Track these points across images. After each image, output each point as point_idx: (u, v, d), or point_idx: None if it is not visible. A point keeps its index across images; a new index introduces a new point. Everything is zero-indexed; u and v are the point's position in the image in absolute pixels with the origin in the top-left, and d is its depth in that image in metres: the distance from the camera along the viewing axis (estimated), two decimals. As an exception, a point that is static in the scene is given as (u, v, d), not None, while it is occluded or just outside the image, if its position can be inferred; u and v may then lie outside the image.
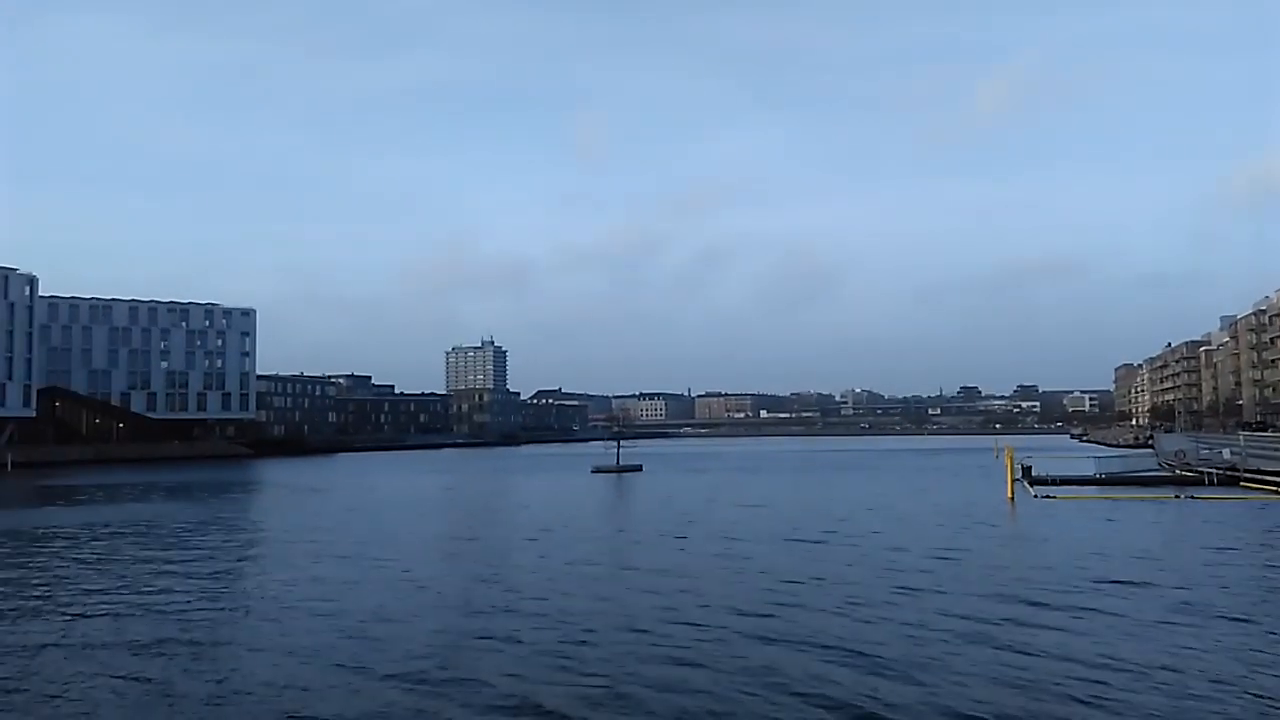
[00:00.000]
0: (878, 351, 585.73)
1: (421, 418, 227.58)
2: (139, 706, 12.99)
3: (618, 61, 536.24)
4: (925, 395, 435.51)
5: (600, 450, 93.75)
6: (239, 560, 28.25)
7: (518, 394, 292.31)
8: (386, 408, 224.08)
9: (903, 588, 21.34)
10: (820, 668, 14.50)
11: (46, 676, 14.51)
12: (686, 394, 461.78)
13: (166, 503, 51.65)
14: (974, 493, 50.92)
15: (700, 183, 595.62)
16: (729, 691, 13.26)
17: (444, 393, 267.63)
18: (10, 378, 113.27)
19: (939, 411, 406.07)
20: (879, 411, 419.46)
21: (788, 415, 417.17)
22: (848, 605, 19.48)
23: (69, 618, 19.13)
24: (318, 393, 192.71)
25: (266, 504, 52.99)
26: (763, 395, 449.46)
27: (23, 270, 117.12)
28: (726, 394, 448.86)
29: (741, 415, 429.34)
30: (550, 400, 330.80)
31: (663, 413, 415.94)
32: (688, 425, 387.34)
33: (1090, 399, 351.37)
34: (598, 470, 75.86)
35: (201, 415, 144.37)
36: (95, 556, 28.94)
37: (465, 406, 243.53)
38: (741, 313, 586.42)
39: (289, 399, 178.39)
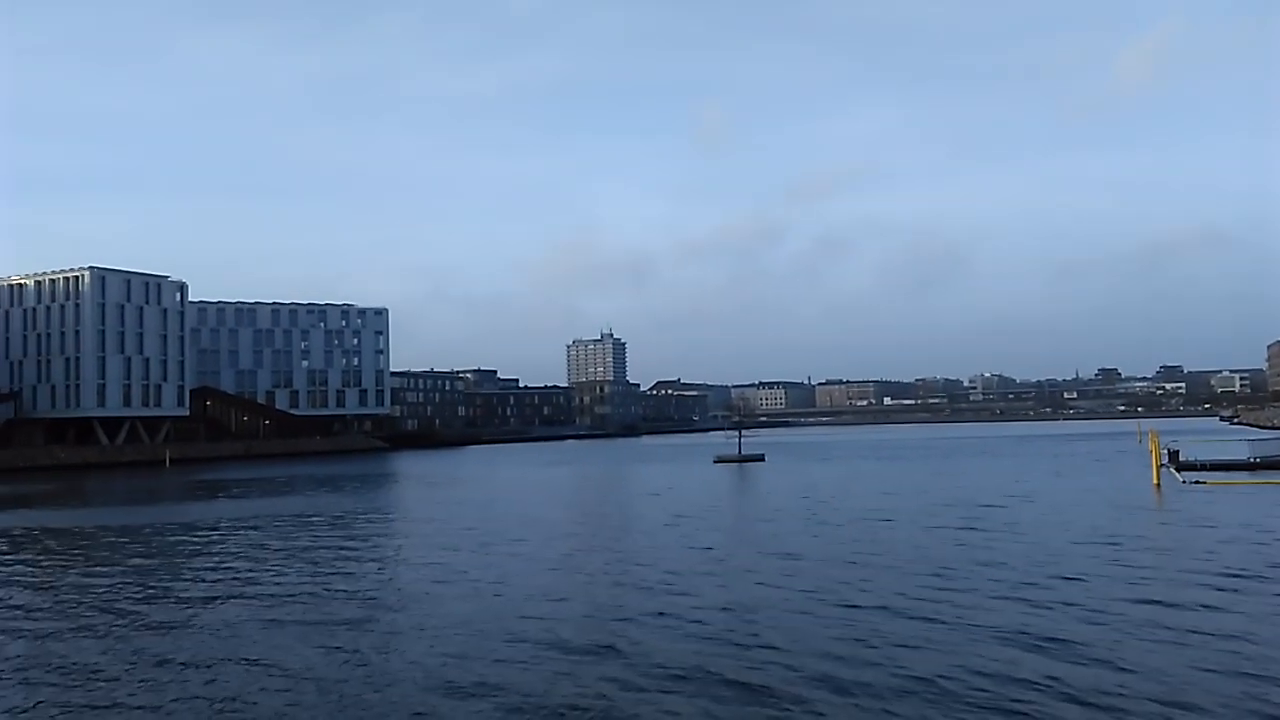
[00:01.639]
0: (1009, 334, 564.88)
1: (545, 410, 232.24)
2: (329, 676, 13.75)
3: (735, 48, 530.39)
4: (1060, 379, 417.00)
5: (721, 440, 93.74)
6: (399, 546, 29.47)
7: (637, 385, 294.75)
8: (512, 401, 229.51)
9: (1066, 575, 20.62)
10: (1010, 653, 14.19)
11: (244, 650, 15.58)
12: (807, 382, 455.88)
13: (319, 495, 54.16)
14: (1118, 478, 48.64)
15: (820, 168, 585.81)
16: (923, 672, 13.13)
17: (566, 385, 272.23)
18: (165, 379, 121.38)
19: (1075, 395, 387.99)
20: (1010, 396, 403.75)
21: (913, 402, 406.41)
22: (1018, 589, 19.08)
23: (260, 597, 20.43)
24: (447, 388, 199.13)
25: (411, 494, 54.98)
26: (886, 382, 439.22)
27: (174, 278, 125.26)
28: (848, 381, 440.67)
29: (864, 403, 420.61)
30: (669, 391, 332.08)
31: (783, 402, 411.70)
32: (809, 414, 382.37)
33: (1241, 379, 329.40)
34: (720, 460, 75.86)
35: (341, 411, 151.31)
36: (265, 544, 30.70)
37: (587, 398, 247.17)
38: (863, 298, 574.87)
39: (421, 394, 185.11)
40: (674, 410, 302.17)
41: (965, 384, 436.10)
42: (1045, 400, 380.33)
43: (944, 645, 14.76)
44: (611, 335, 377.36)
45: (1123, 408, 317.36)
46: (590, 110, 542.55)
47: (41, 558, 28.76)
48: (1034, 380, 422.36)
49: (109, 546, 31.32)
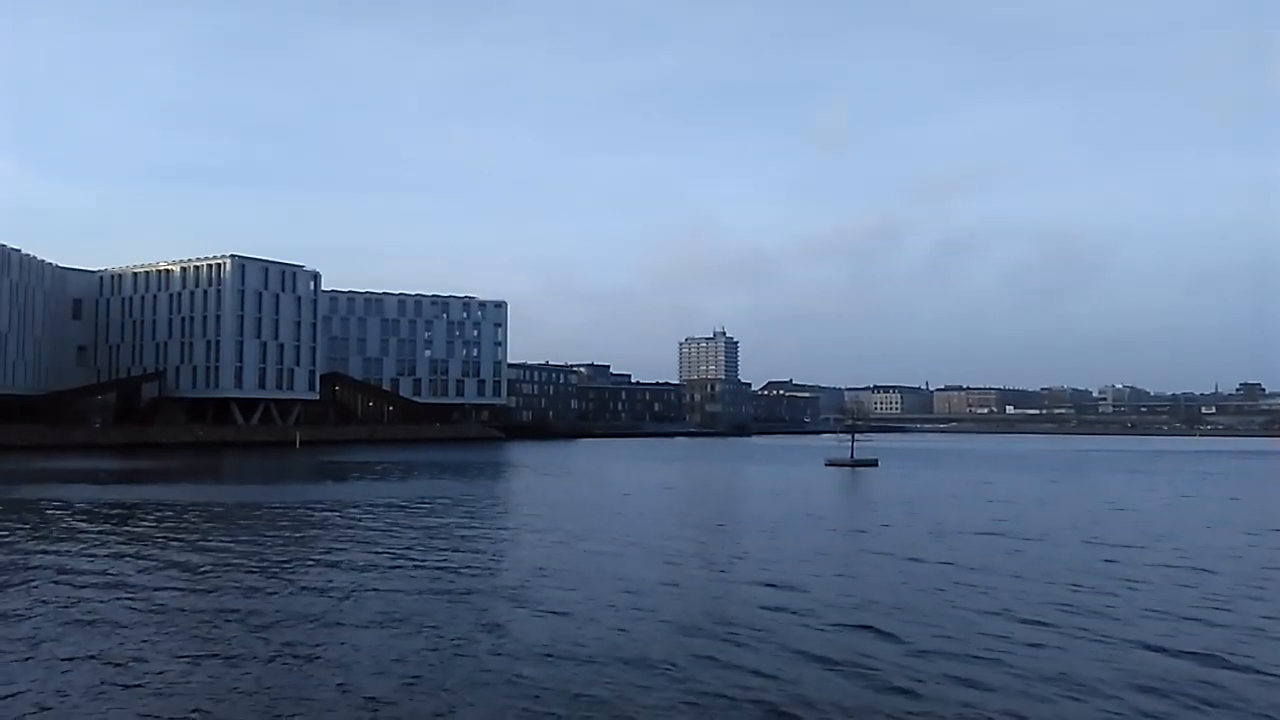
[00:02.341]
0: (1143, 344, 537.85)
1: (656, 406, 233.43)
2: (439, 650, 14.11)
3: (857, 45, 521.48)
4: (1198, 392, 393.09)
5: (832, 443, 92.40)
6: (520, 532, 29.97)
7: (748, 384, 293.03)
8: (624, 396, 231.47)
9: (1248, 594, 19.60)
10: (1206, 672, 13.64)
11: (370, 620, 16.17)
12: (924, 387, 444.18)
13: (443, 480, 55.66)
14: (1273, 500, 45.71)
15: (945, 167, 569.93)
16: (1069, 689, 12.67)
17: (677, 382, 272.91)
18: (298, 364, 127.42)
19: (1214, 410, 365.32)
20: (1143, 409, 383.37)
21: (1037, 412, 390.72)
22: (1200, 607, 18.34)
23: (386, 570, 21.21)
24: (561, 381, 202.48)
25: (529, 483, 55.82)
26: (1009, 390, 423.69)
27: (308, 267, 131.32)
28: (968, 388, 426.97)
29: (985, 411, 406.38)
30: (781, 391, 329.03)
31: (898, 406, 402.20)
32: (925, 420, 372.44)
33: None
34: (832, 463, 74.67)
35: (460, 400, 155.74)
36: (396, 523, 31.80)
37: (697, 396, 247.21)
38: (987, 302, 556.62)
39: (536, 386, 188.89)
40: (785, 411, 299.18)
41: (1094, 394, 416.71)
42: (1181, 414, 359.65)
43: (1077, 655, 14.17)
44: (724, 334, 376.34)
45: (1266, 423, 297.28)
46: (708, 109, 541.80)
47: (188, 531, 30.54)
48: (1168, 393, 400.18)
49: (252, 521, 33.06)
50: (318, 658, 14.34)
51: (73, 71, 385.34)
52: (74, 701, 12.09)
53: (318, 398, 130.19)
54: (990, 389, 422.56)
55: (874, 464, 75.00)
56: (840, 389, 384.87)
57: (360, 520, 33.36)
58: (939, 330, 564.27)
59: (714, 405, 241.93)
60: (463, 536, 29.26)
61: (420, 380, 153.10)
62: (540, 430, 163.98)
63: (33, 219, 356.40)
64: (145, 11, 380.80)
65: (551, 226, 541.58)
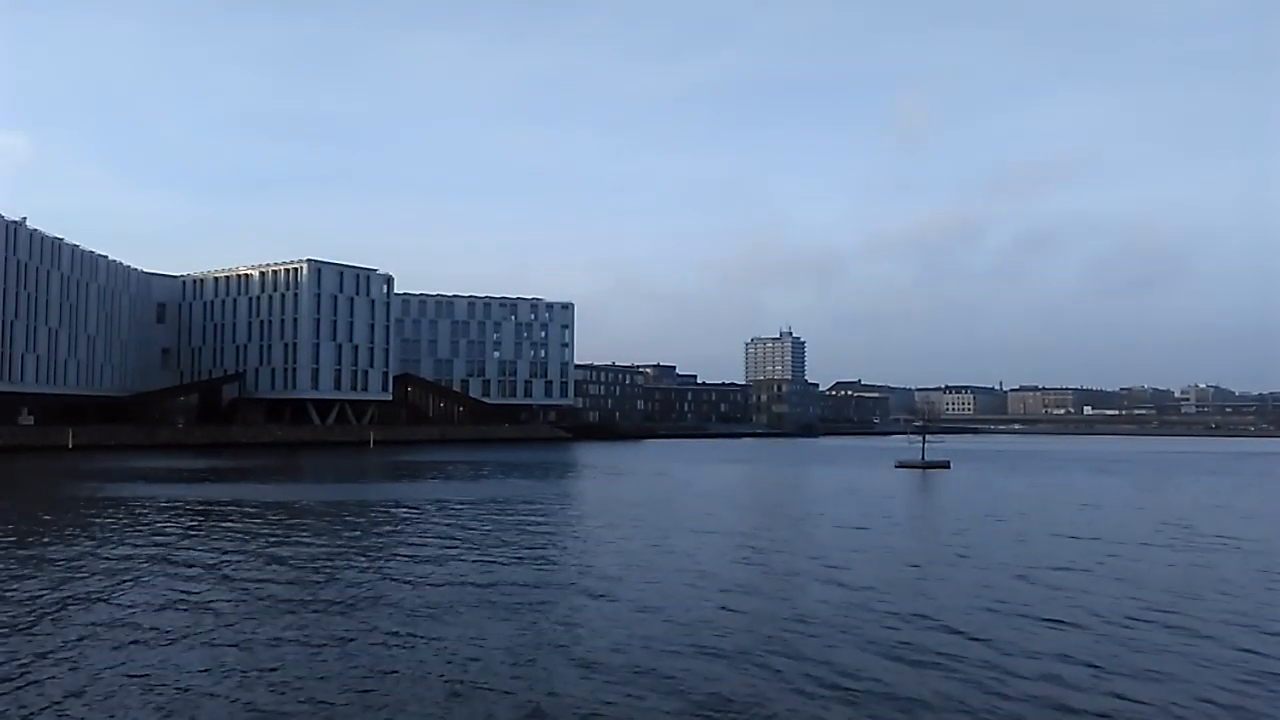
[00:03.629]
0: (1229, 343, 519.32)
1: (722, 407, 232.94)
2: (516, 646, 14.37)
3: (937, 37, 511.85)
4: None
5: (902, 445, 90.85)
6: (593, 531, 30.20)
7: (816, 385, 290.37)
8: (690, 397, 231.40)
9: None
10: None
11: (449, 622, 16.58)
12: (998, 388, 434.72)
13: (514, 479, 56.30)
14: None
15: (1027, 161, 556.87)
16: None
17: (743, 383, 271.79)
18: (372, 365, 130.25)
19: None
20: (1227, 409, 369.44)
21: (1116, 412, 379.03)
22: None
23: (460, 572, 21.71)
24: (627, 381, 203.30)
25: (599, 483, 56.09)
26: (1086, 390, 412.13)
27: (381, 270, 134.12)
28: (1044, 388, 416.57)
29: (1062, 411, 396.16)
30: (849, 392, 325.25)
31: (971, 407, 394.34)
32: (999, 421, 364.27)
33: None
34: (902, 465, 73.63)
35: (528, 401, 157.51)
36: (469, 523, 32.30)
37: (764, 397, 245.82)
38: (1065, 300, 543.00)
39: (602, 387, 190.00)
40: (853, 412, 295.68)
41: (1176, 394, 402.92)
42: (1268, 415, 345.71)
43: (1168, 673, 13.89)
44: (790, 334, 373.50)
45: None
46: (781, 106, 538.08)
47: (277, 527, 31.56)
48: (1254, 393, 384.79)
49: (336, 518, 34.01)
50: (412, 645, 14.81)
51: (156, 82, 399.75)
52: (192, 680, 12.74)
53: (391, 398, 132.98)
54: (1067, 389, 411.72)
55: (946, 466, 73.77)
56: (910, 389, 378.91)
57: (439, 518, 34.01)
58: (1014, 328, 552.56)
59: (781, 406, 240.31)
60: (541, 534, 29.71)
61: (489, 381, 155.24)
62: (606, 431, 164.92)
63: (119, 225, 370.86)
64: (226, 22, 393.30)
65: (619, 227, 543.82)
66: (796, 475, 68.60)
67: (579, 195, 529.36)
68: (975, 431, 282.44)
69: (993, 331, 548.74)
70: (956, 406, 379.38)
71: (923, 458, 74.60)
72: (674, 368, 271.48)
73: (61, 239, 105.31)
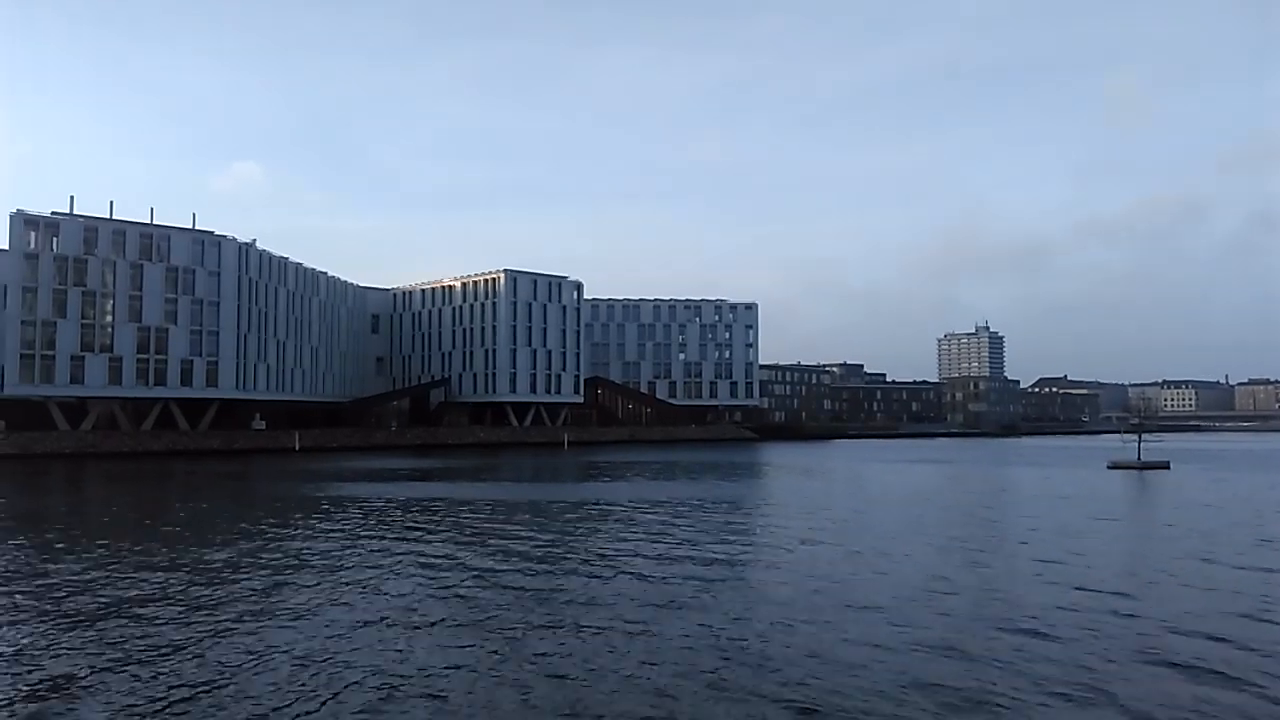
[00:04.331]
0: None
1: (914, 406, 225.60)
2: (685, 647, 14.82)
3: (1151, 7, 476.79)
4: None
5: (1115, 444, 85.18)
6: (793, 533, 30.16)
7: (1016, 382, 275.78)
8: (879, 395, 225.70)
9: None
10: None
11: (631, 619, 17.36)
12: (1223, 382, 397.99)
13: (710, 479, 56.79)
14: None
15: (1261, 134, 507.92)
16: None
17: (936, 381, 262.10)
18: (564, 369, 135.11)
19: None
20: None
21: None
22: None
23: (671, 562, 22.60)
24: (813, 381, 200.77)
25: (792, 483, 55.70)
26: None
27: (572, 278, 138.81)
28: (1277, 381, 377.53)
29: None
30: (1054, 389, 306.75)
31: (1192, 403, 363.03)
32: (1225, 418, 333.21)
33: None
34: (1115, 466, 68.95)
35: (713, 401, 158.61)
36: (671, 523, 33.11)
37: (959, 395, 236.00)
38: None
39: (788, 386, 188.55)
40: (1059, 410, 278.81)
41: None
42: None
43: None
44: (987, 329, 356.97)
45: None
46: (979, 91, 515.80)
47: (499, 523, 33.63)
48: None
49: (551, 516, 35.82)
50: (624, 634, 15.67)
51: (367, 110, 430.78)
52: (465, 664, 14.10)
53: (582, 400, 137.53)
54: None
55: (1165, 466, 68.57)
56: (1123, 385, 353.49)
57: (640, 516, 34.93)
58: (1242, 317, 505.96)
59: (978, 404, 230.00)
60: (755, 532, 30.14)
61: (675, 382, 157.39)
62: (793, 431, 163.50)
63: (336, 243, 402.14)
64: (423, 51, 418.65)
65: (806, 226, 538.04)
66: (1001, 476, 65.67)
67: (765, 196, 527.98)
68: (1197, 430, 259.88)
69: (1217, 321, 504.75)
70: (1176, 403, 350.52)
71: (1139, 458, 69.70)
72: (862, 366, 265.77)
73: (287, 258, 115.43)
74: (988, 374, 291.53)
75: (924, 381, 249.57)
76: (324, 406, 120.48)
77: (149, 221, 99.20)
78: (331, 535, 29.66)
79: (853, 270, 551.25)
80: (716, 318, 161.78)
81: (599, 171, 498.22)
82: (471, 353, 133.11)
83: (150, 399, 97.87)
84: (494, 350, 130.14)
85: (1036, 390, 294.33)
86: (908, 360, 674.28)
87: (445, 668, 13.97)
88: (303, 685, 13.07)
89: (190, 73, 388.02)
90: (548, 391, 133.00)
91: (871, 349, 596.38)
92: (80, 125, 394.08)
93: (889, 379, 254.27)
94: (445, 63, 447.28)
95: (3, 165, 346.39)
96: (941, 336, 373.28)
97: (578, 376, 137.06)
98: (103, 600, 18.99)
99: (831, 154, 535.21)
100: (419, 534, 29.84)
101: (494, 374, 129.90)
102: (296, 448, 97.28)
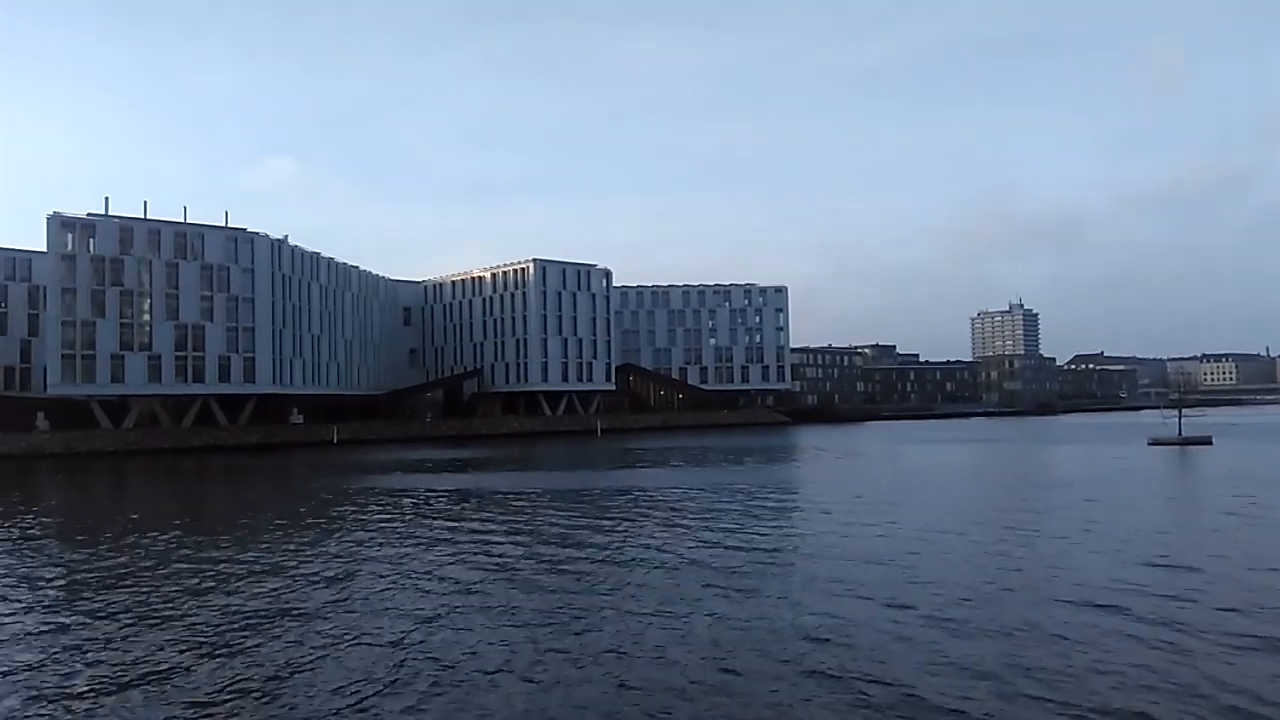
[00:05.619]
0: None
1: (948, 386, 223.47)
2: (695, 642, 14.76)
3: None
4: None
5: (1155, 420, 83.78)
6: (832, 516, 30.03)
7: (1052, 359, 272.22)
8: (912, 376, 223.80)
9: None
10: None
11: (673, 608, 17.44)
12: (1264, 354, 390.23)
13: (748, 464, 56.74)
14: None
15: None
16: None
17: (970, 360, 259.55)
18: (595, 357, 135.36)
19: None
20: None
21: None
22: None
23: (692, 560, 22.55)
24: (845, 363, 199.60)
25: (825, 466, 55.60)
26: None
27: (600, 266, 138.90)
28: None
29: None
30: (1090, 365, 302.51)
31: (1233, 376, 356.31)
32: (1268, 391, 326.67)
33: None
34: (1155, 442, 67.88)
35: (745, 386, 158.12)
36: (710, 508, 33.23)
37: (994, 374, 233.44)
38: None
39: (820, 369, 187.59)
40: (1095, 386, 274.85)
41: None
42: None
43: None
44: (1021, 306, 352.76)
45: None
46: (1010, 65, 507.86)
47: (544, 512, 33.79)
48: None
49: (590, 504, 35.91)
50: (691, 617, 15.69)
51: (394, 103, 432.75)
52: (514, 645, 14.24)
53: (614, 388, 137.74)
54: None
55: (1207, 441, 67.39)
56: (1161, 360, 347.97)
57: (689, 503, 34.84)
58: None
59: (1013, 383, 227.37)
60: (800, 517, 29.97)
61: (706, 368, 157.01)
62: (826, 414, 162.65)
63: (366, 237, 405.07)
64: (447, 41, 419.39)
65: (837, 206, 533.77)
66: (1041, 454, 64.95)
67: (793, 177, 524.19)
68: (1238, 403, 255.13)
69: (1259, 293, 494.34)
70: (1216, 376, 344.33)
71: (1179, 433, 68.61)
72: (894, 347, 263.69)
73: (319, 253, 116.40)
74: (1022, 352, 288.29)
75: (958, 361, 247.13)
76: (359, 399, 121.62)
77: (183, 220, 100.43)
78: (385, 526, 29.96)
79: (883, 250, 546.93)
80: (746, 302, 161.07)
81: (626, 157, 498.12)
82: (503, 343, 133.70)
83: (190, 396, 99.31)
84: (525, 340, 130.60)
85: (1073, 367, 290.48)
86: (941, 340, 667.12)
87: (523, 653, 14.07)
88: (380, 669, 13.32)
89: (220, 70, 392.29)
90: (579, 380, 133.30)
91: (904, 329, 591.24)
92: (113, 126, 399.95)
93: (922, 359, 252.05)
94: (471, 50, 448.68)
95: (39, 167, 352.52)
96: (975, 315, 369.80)
97: (609, 364, 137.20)
98: (178, 589, 19.39)
99: (856, 134, 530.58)
100: (471, 523, 29.98)
101: (525, 363, 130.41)
102: (334, 441, 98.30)
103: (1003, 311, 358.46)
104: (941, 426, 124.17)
